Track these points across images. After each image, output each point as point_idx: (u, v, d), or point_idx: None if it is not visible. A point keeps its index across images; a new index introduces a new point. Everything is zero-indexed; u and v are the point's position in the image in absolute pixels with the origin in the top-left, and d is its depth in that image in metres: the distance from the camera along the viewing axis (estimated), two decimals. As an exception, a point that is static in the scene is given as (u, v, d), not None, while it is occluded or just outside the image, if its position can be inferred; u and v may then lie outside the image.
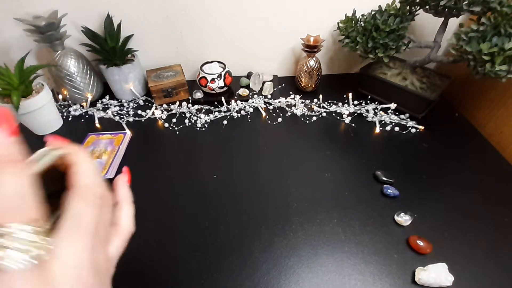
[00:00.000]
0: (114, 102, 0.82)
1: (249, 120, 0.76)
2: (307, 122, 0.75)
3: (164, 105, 0.80)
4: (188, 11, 0.77)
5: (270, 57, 0.89)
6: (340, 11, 0.74)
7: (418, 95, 0.70)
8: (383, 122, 0.73)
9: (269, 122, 0.75)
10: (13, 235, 0.15)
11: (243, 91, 0.82)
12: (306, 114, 0.77)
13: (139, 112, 0.78)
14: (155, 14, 0.77)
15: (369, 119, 0.74)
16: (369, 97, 0.81)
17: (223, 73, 0.78)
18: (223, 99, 0.78)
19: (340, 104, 0.79)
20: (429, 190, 0.57)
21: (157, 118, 0.76)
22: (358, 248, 0.48)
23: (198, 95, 0.81)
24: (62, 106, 0.79)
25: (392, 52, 0.67)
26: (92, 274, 0.18)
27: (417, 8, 0.68)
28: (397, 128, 0.71)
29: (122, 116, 0.77)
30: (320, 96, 0.80)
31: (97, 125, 0.74)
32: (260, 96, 0.82)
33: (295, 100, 0.79)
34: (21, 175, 0.17)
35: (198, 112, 0.78)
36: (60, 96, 0.78)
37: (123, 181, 0.27)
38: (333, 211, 0.53)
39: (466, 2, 0.57)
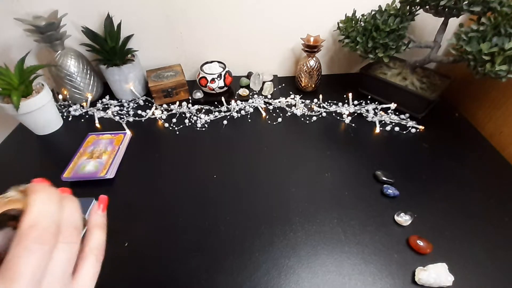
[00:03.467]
0: (114, 102, 0.82)
1: (249, 120, 0.76)
2: (307, 122, 0.75)
3: (164, 105, 0.80)
4: (188, 11, 0.77)
5: (270, 57, 0.89)
6: (340, 11, 0.74)
7: (418, 95, 0.70)
8: (383, 122, 0.73)
9: (269, 122, 0.75)
10: None
11: (243, 91, 0.82)
12: (306, 114, 0.77)
13: (139, 112, 0.78)
14: (155, 14, 0.77)
15: (369, 119, 0.74)
16: (369, 97, 0.81)
17: (223, 73, 0.78)
18: (223, 99, 0.78)
19: (340, 104, 0.79)
20: (429, 190, 0.57)
21: (157, 118, 0.76)
22: (358, 248, 0.48)
23: (198, 95, 0.81)
24: (62, 106, 0.79)
25: (392, 52, 0.67)
26: None
27: (417, 8, 0.68)
28: (397, 128, 0.71)
29: (122, 116, 0.77)
30: (320, 96, 0.80)
31: (97, 125, 0.75)
32: (260, 96, 0.82)
33: (295, 100, 0.79)
34: None
35: (198, 112, 0.78)
36: (60, 96, 0.78)
37: (95, 210, 0.25)
38: (333, 211, 0.53)
39: (466, 2, 0.57)
